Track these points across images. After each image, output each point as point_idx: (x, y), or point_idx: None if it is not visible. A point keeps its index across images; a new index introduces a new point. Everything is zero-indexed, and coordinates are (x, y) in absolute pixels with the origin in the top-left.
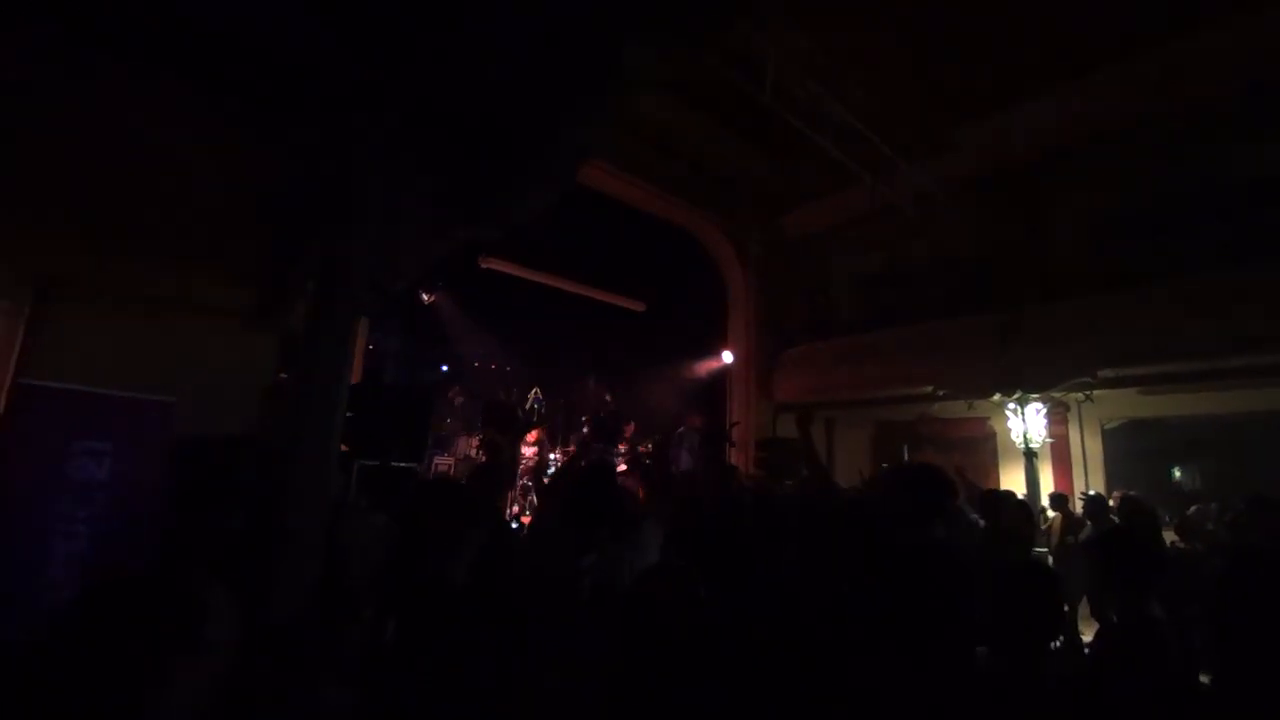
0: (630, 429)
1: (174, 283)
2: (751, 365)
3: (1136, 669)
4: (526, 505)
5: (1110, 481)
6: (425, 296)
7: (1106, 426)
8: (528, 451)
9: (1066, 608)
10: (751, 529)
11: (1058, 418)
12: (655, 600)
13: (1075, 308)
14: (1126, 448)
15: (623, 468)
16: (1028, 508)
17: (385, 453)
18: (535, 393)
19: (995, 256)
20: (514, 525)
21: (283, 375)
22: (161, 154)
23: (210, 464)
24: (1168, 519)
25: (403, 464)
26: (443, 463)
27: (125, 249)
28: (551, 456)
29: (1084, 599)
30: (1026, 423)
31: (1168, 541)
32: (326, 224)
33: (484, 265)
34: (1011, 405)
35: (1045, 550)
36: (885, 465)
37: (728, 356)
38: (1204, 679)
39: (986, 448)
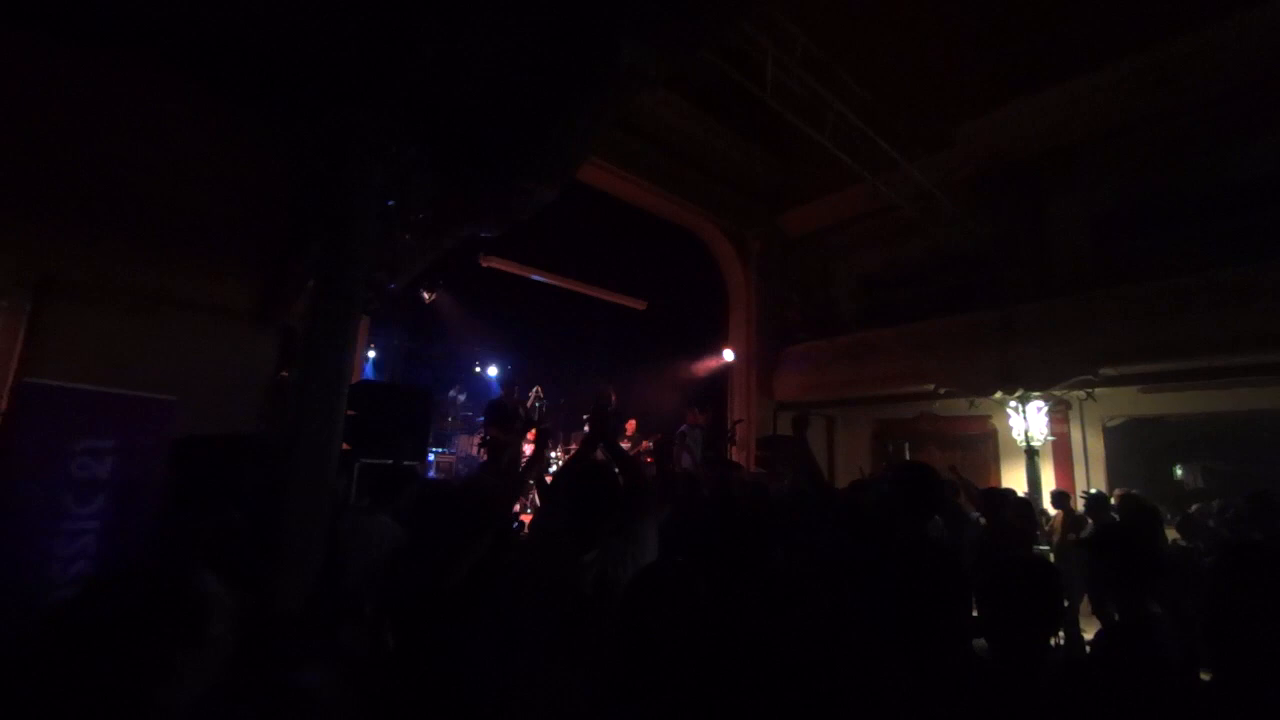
0: (631, 426)
1: (175, 282)
2: (752, 363)
3: (1135, 666)
4: (527, 503)
5: (1112, 479)
6: (426, 295)
7: (1108, 424)
8: (528, 450)
9: (1067, 604)
10: (749, 526)
11: (1059, 416)
12: (654, 598)
13: (1076, 305)
14: (1128, 446)
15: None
16: (1029, 505)
17: (386, 451)
18: (537, 391)
19: (996, 254)
20: (515, 525)
21: (283, 373)
22: (162, 153)
23: (211, 462)
24: (1169, 517)
25: (404, 462)
26: (444, 461)
27: (126, 249)
28: (552, 455)
29: (1085, 597)
30: (1028, 420)
31: (1170, 540)
32: (326, 222)
33: (484, 264)
34: (1013, 403)
35: (1046, 548)
36: (885, 464)
37: (728, 355)
38: (1205, 676)
39: (987, 446)
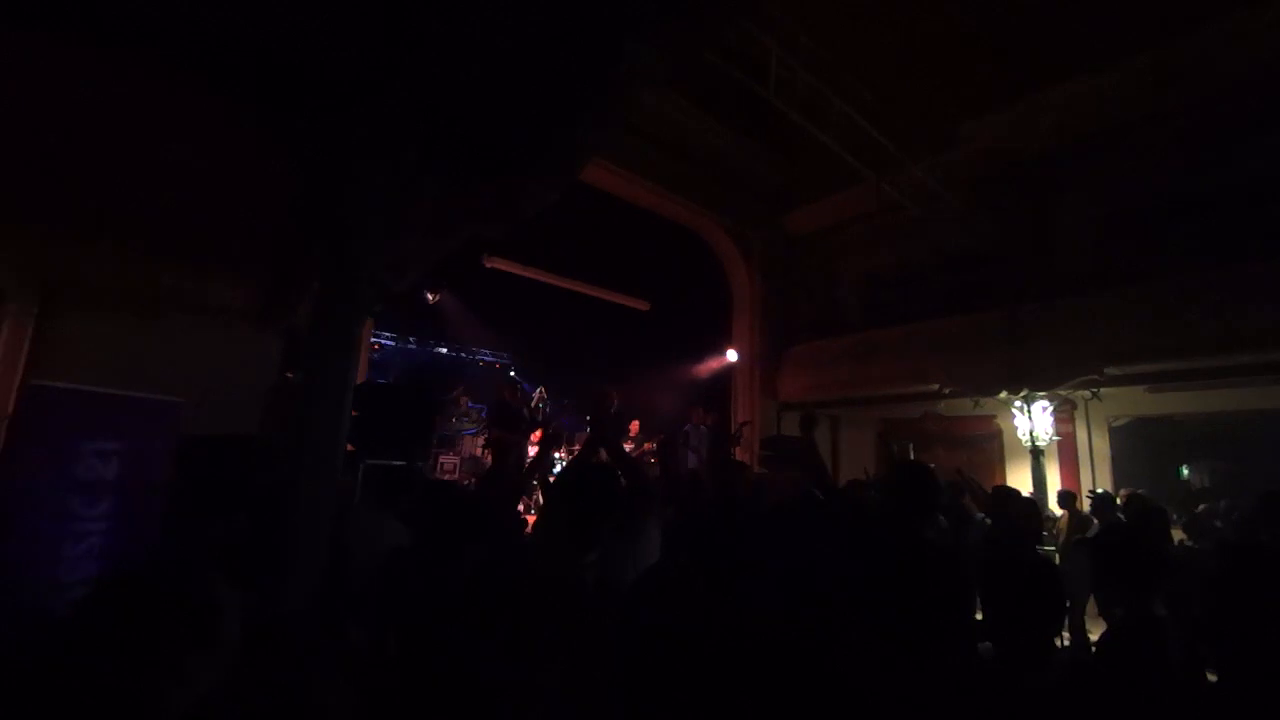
0: (635, 427)
1: (180, 284)
2: (756, 363)
3: (1140, 668)
4: (532, 504)
5: (1117, 480)
6: (430, 296)
7: (1114, 424)
8: (532, 451)
9: (1070, 605)
10: (751, 527)
11: (1064, 415)
12: (656, 599)
13: (1081, 304)
14: (1134, 446)
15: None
16: (1034, 504)
17: (391, 452)
18: (540, 392)
19: (1001, 253)
20: (520, 525)
21: (288, 375)
22: (165, 156)
23: (217, 463)
24: (1176, 517)
25: (408, 463)
26: (448, 462)
27: (131, 251)
28: (556, 455)
29: (1091, 597)
30: (1033, 420)
31: (1176, 540)
32: (331, 223)
33: (488, 265)
34: (1018, 403)
35: (1052, 549)
36: (886, 464)
37: (732, 355)
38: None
39: (993, 446)
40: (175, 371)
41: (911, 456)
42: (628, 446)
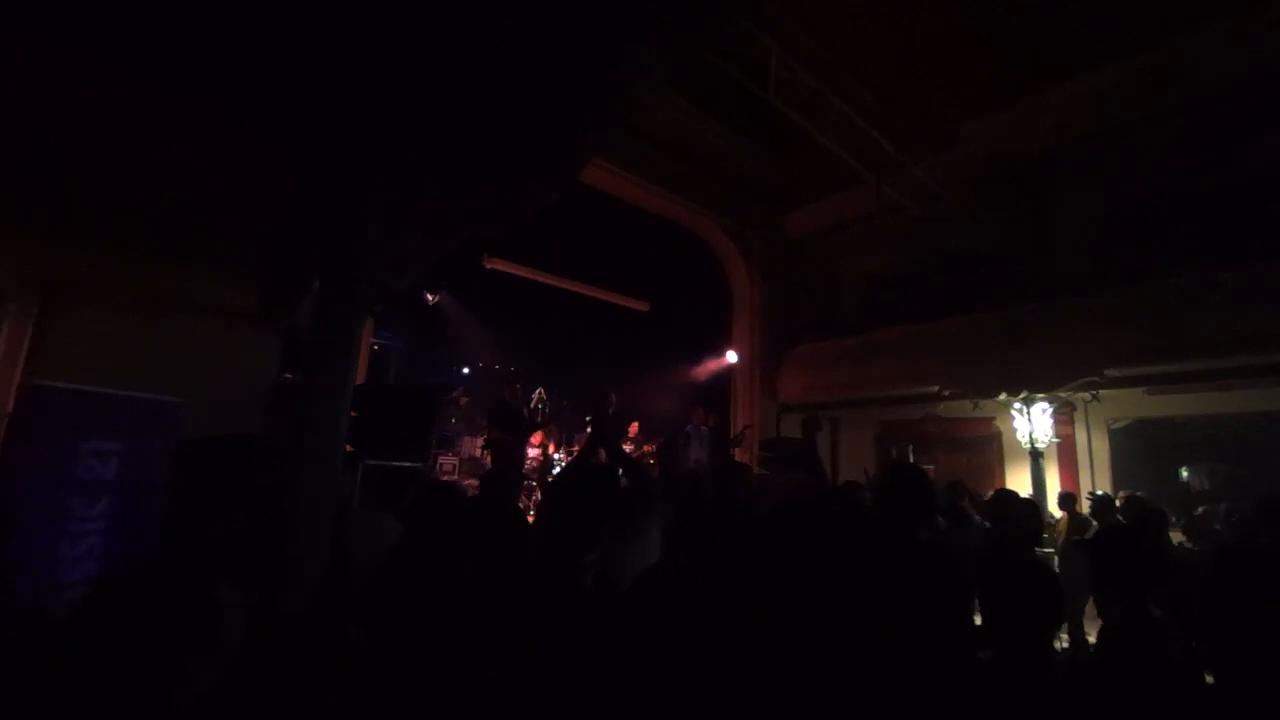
0: (634, 429)
1: (179, 284)
2: (756, 365)
3: (1136, 669)
4: (532, 505)
5: (1117, 482)
6: (429, 297)
7: (1113, 426)
8: (532, 452)
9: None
10: (751, 527)
11: (1064, 417)
12: (656, 599)
13: (1081, 306)
14: (1133, 447)
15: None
16: (1034, 506)
17: (390, 453)
18: (540, 393)
19: (1001, 255)
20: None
21: (288, 375)
22: (165, 155)
23: (216, 464)
24: (1175, 520)
25: (407, 464)
26: (448, 463)
27: (131, 251)
28: (555, 456)
29: (1090, 598)
30: (1032, 422)
31: (1175, 543)
32: (331, 224)
33: (488, 265)
34: (1017, 405)
35: (1051, 551)
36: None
37: (732, 356)
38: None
39: (992, 448)
40: (175, 372)
41: (911, 459)
42: (627, 448)
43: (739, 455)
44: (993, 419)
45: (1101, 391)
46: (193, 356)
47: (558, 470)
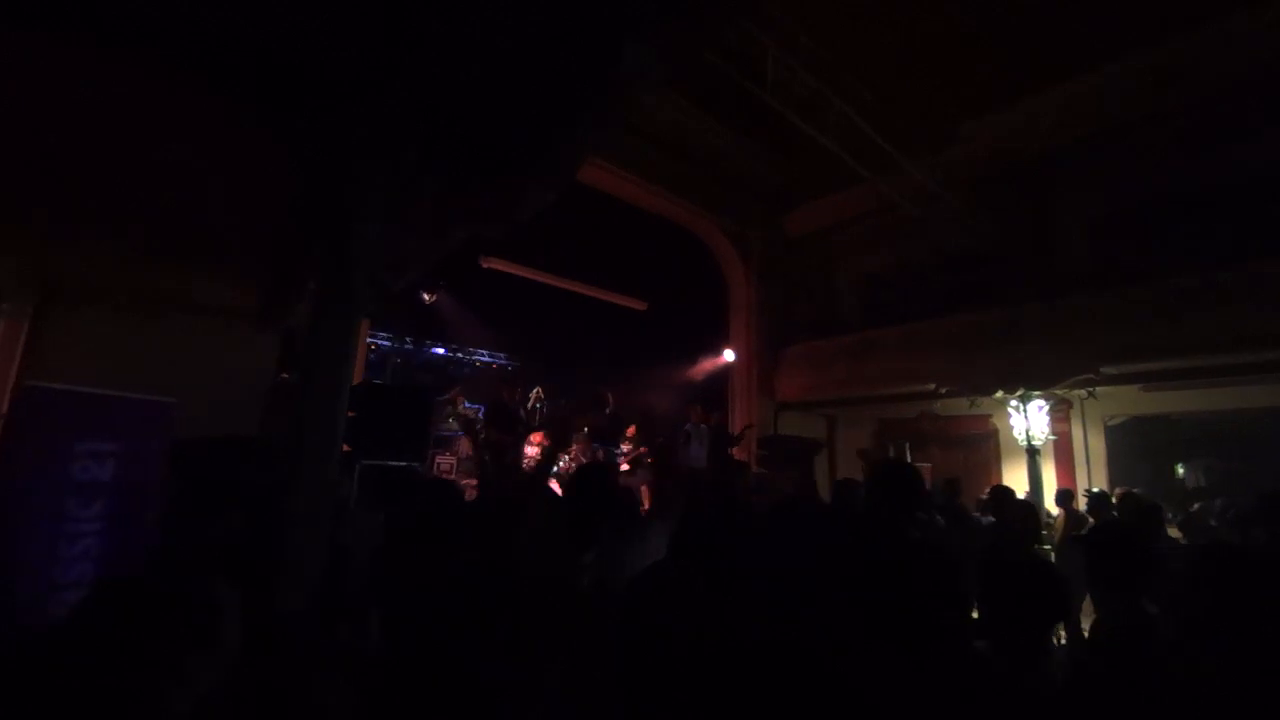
0: (632, 431)
1: (176, 284)
2: (753, 363)
3: (1129, 663)
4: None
5: (1113, 478)
6: (426, 296)
7: (1109, 423)
8: (530, 451)
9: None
10: (749, 527)
11: (1060, 414)
12: (655, 598)
13: (1078, 304)
14: (1129, 444)
15: (625, 467)
16: (1031, 504)
17: (387, 452)
18: (537, 393)
19: (998, 253)
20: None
21: (284, 375)
22: (162, 155)
23: (213, 464)
24: (1171, 516)
25: (404, 464)
26: (445, 463)
27: (127, 251)
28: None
29: (1087, 595)
30: (1029, 420)
31: (1173, 538)
32: (328, 224)
33: (485, 265)
34: (1014, 402)
35: (1048, 547)
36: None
37: (729, 355)
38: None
39: (989, 445)
40: (171, 372)
41: (909, 457)
42: (625, 448)
43: (737, 454)
44: (989, 416)
45: (1098, 389)
46: (189, 357)
47: (555, 470)
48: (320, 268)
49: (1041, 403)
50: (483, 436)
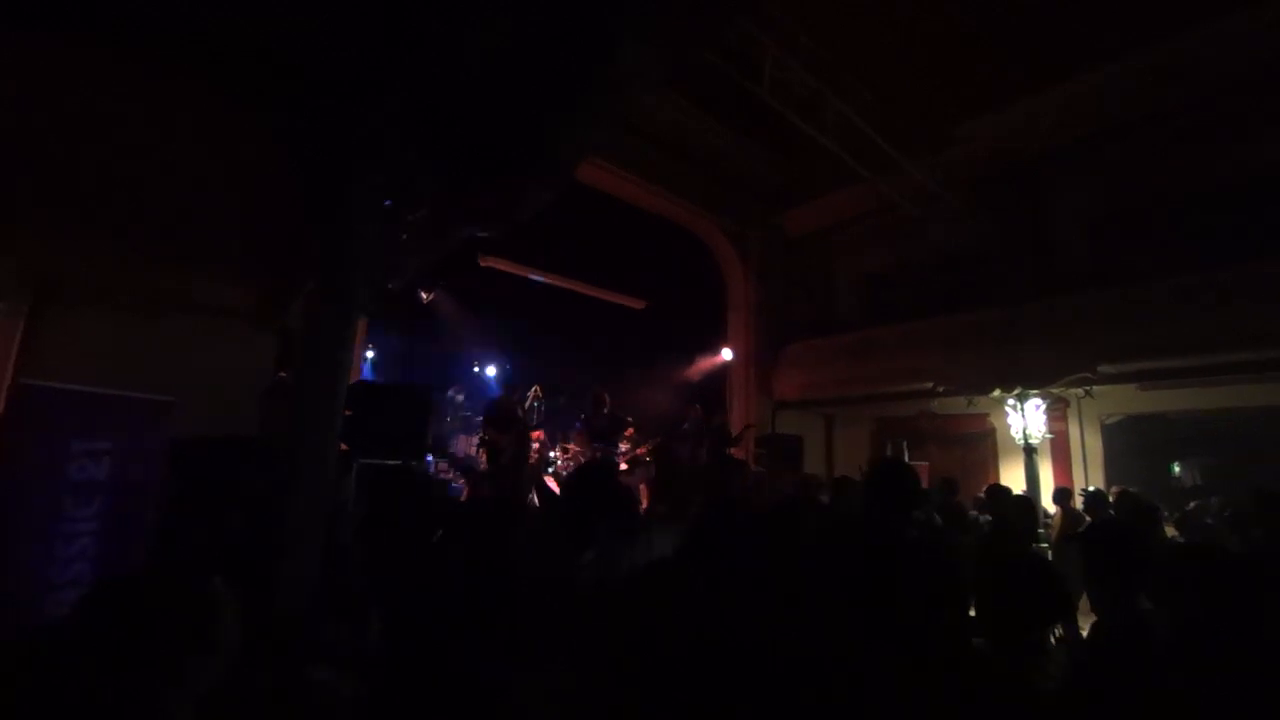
0: (630, 431)
1: (174, 282)
2: (751, 362)
3: (1125, 661)
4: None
5: (1110, 477)
6: (424, 295)
7: (1106, 422)
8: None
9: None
10: (748, 528)
11: (1057, 413)
12: (653, 597)
13: (1076, 303)
14: (1126, 443)
15: (624, 467)
16: (1029, 502)
17: (385, 452)
18: (535, 391)
19: (996, 253)
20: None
21: (282, 374)
22: (161, 154)
23: (210, 463)
24: (1167, 514)
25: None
26: (442, 462)
27: (124, 250)
28: (551, 454)
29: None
30: (1026, 418)
31: (1169, 536)
32: (326, 223)
33: (483, 264)
34: (1011, 401)
35: (1045, 546)
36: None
37: (727, 353)
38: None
39: (986, 444)
40: (168, 371)
41: (906, 455)
42: (623, 447)
43: (735, 453)
44: (987, 415)
45: (1095, 387)
46: (186, 356)
47: (554, 469)
48: (319, 268)
49: (1039, 401)
50: (481, 435)
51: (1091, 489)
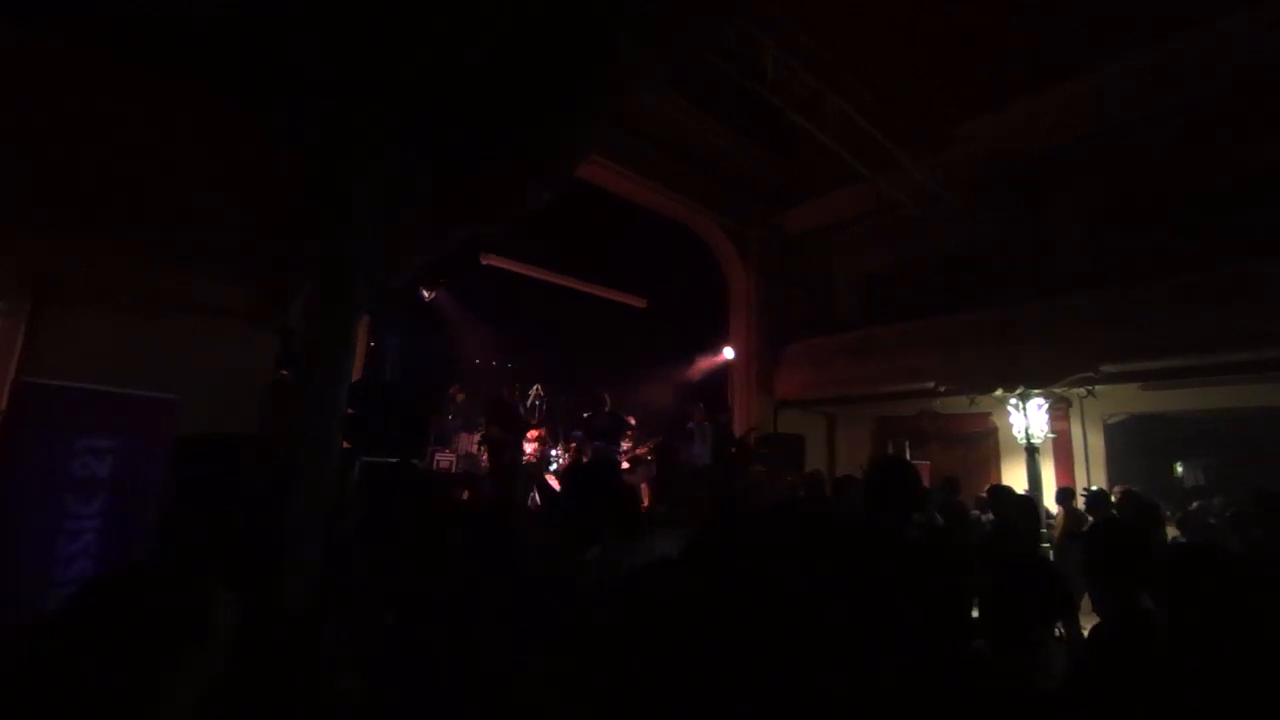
0: (631, 429)
1: (174, 281)
2: (753, 361)
3: (1126, 660)
4: (529, 501)
5: (1112, 477)
6: (425, 293)
7: (1108, 421)
8: (529, 449)
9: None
10: (748, 527)
11: (1059, 413)
12: (652, 596)
13: (1077, 302)
14: (1128, 443)
15: (625, 466)
16: (1031, 502)
17: (387, 449)
18: (537, 389)
19: (997, 252)
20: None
21: (283, 372)
22: (161, 153)
23: (212, 461)
24: (1169, 514)
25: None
26: (444, 459)
27: (126, 248)
28: (553, 453)
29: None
30: (1028, 418)
31: (1171, 537)
32: (326, 222)
33: (485, 262)
34: (1013, 400)
35: (1048, 545)
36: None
37: (729, 352)
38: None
39: (988, 443)
40: (170, 369)
41: (908, 455)
42: (624, 446)
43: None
44: (989, 415)
45: (1097, 387)
46: (188, 354)
47: (555, 467)
48: (319, 267)
49: (1041, 401)
50: (482, 433)
51: (1093, 489)
